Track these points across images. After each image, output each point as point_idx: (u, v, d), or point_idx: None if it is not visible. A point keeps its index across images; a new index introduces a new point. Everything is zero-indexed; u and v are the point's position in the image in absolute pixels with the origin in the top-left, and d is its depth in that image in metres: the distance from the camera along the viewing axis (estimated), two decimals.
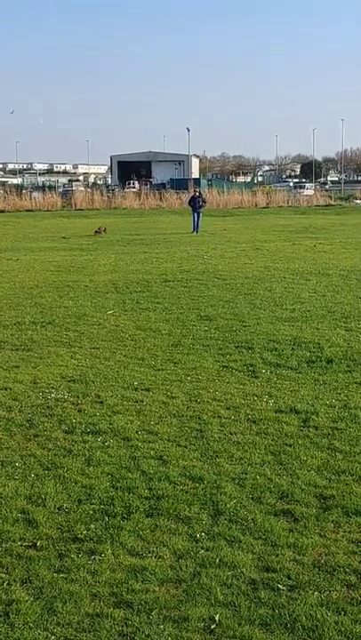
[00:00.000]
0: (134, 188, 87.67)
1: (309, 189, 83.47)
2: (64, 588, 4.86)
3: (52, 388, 9.27)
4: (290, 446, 7.25)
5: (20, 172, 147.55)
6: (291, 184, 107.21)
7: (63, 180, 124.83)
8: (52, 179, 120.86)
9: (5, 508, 6.01)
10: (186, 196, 52.64)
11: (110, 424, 7.91)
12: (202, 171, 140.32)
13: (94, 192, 69.67)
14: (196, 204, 36.11)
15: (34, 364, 10.46)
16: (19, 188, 77.32)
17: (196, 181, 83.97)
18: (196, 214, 35.85)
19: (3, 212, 57.57)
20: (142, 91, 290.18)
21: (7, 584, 4.94)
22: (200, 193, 38.82)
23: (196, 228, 35.39)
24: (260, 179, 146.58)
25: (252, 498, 6.14)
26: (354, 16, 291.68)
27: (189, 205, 37.51)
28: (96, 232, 35.21)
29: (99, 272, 20.56)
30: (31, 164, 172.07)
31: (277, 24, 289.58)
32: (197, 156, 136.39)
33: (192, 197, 37.29)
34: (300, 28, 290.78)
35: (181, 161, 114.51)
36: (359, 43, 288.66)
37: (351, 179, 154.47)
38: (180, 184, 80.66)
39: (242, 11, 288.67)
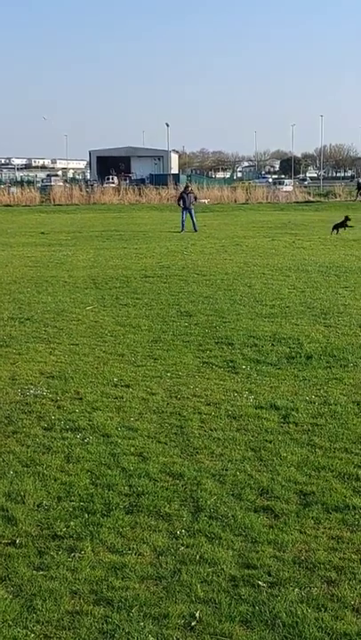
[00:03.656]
0: (113, 183, 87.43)
1: (288, 185, 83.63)
2: (44, 585, 4.83)
3: (31, 384, 9.21)
4: (270, 442, 7.25)
5: None
6: (270, 180, 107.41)
7: (42, 175, 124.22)
8: (31, 174, 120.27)
9: None
10: (168, 193, 52.16)
11: (90, 421, 7.88)
12: (181, 166, 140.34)
13: (73, 187, 69.41)
14: (186, 201, 33.98)
15: (12, 360, 10.39)
16: None
17: (176, 177, 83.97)
18: (186, 212, 33.86)
19: None
20: (121, 85, 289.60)
21: None
22: (191, 189, 36.38)
23: (193, 225, 33.34)
24: (239, 174, 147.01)
25: (232, 494, 6.13)
26: (336, 14, 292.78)
27: (178, 204, 35.14)
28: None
29: (78, 267, 20.48)
30: (9, 159, 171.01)
31: (258, 20, 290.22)
32: (177, 152, 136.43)
33: (181, 193, 35.07)
34: (280, 25, 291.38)
35: (161, 156, 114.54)
36: (339, 40, 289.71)
37: (330, 175, 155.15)
38: (159, 179, 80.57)
39: (223, 6, 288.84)
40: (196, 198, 36.28)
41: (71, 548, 5.29)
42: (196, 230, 33.12)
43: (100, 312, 13.87)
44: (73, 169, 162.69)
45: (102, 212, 52.52)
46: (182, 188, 36.15)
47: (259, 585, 4.83)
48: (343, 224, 30.65)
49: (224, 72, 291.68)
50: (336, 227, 30.69)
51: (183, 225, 33.73)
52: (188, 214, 33.93)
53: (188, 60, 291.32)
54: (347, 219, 30.79)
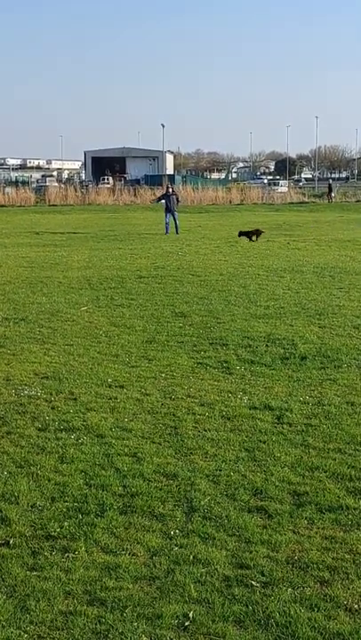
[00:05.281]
0: (108, 183, 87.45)
1: (283, 186, 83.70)
2: (37, 586, 4.83)
3: (26, 384, 9.21)
4: (264, 443, 7.26)
5: None
6: (265, 181, 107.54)
7: (37, 175, 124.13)
8: (26, 174, 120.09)
9: None
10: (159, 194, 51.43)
11: (84, 421, 7.88)
12: (176, 167, 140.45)
13: (68, 188, 69.40)
14: (170, 202, 32.52)
15: (7, 360, 10.38)
16: None
17: (171, 178, 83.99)
18: (170, 215, 32.36)
19: None
20: (117, 86, 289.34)
21: None
22: (173, 190, 35.15)
23: (175, 229, 32.16)
24: (234, 175, 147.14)
25: (226, 494, 6.14)
26: (330, 14, 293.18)
27: (153, 201, 33.18)
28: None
29: (72, 268, 20.47)
30: (4, 159, 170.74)
31: (255, 21, 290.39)
32: (172, 152, 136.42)
33: (164, 195, 33.74)
34: (278, 26, 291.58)
35: (156, 157, 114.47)
36: (334, 40, 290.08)
37: (325, 176, 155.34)
38: (154, 180, 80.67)
39: (221, 5, 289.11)
40: (178, 200, 34.76)
41: (65, 549, 5.29)
42: (177, 233, 31.86)
43: (95, 313, 13.87)
44: (68, 169, 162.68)
45: (97, 212, 52.53)
46: (168, 190, 34.24)
47: (252, 585, 4.83)
48: (254, 234, 28.38)
49: (220, 73, 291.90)
50: (247, 234, 28.47)
51: (167, 227, 32.46)
52: (171, 217, 32.50)
53: (183, 62, 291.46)
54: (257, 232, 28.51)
